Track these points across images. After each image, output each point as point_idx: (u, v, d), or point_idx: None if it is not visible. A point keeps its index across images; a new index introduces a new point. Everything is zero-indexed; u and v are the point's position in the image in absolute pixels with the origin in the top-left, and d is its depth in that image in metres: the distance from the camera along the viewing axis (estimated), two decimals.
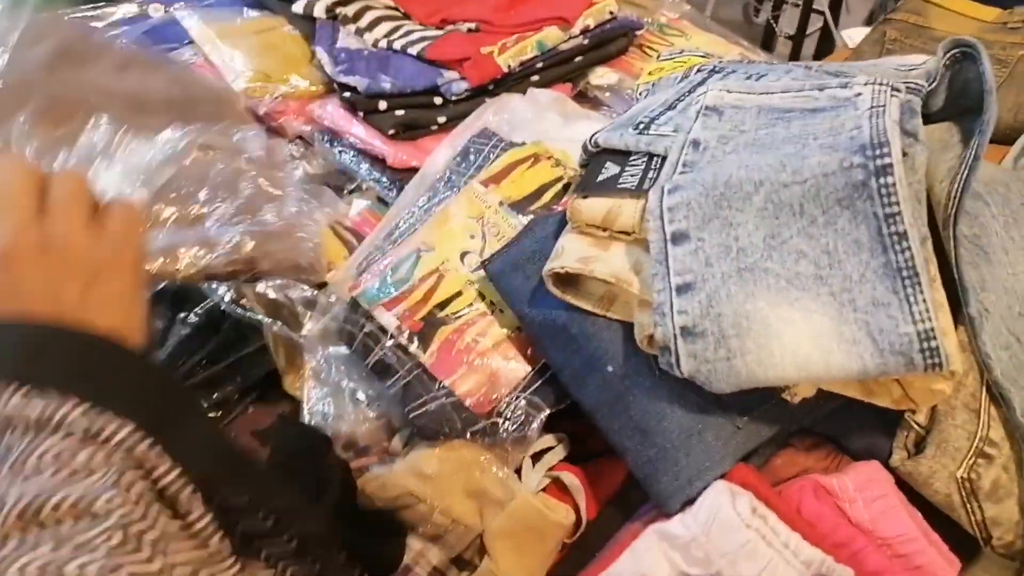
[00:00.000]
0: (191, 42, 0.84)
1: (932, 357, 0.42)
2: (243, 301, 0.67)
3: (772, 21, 2.21)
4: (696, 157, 0.51)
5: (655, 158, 0.54)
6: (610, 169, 0.55)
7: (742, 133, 0.53)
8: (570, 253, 0.52)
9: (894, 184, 0.43)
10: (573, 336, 0.53)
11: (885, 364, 0.43)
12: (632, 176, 0.53)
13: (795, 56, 2.21)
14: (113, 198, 0.41)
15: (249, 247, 0.54)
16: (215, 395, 0.67)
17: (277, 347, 0.68)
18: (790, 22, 2.15)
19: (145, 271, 0.42)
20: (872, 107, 0.49)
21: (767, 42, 2.30)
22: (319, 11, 0.85)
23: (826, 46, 2.28)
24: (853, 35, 0.92)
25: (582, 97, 0.83)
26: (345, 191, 0.75)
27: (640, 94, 0.75)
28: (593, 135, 0.58)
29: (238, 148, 0.59)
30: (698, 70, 0.68)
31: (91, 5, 0.86)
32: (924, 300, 0.42)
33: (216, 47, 0.81)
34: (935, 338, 0.42)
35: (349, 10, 0.85)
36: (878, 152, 0.43)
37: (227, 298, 0.66)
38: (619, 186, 0.53)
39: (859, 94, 0.52)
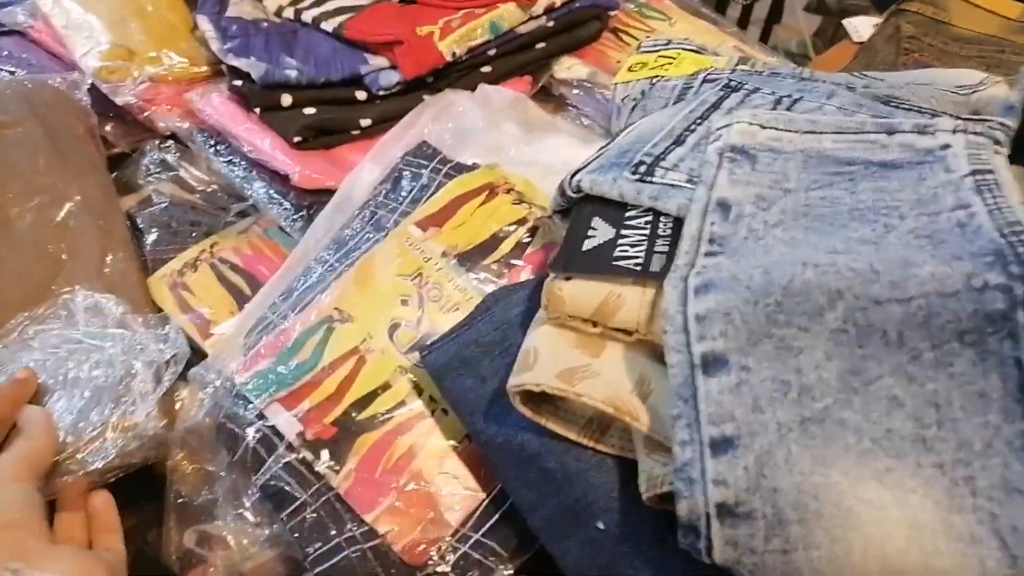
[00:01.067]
0: None
1: None
2: None
3: None
4: (727, 229, 0.36)
5: (663, 218, 0.39)
6: (601, 231, 0.40)
7: (787, 193, 0.38)
8: (547, 361, 0.36)
9: None
10: (548, 471, 0.38)
11: None
12: (634, 247, 0.38)
13: (745, 21, 2.09)
14: None
15: None
16: None
17: None
18: None
19: None
20: (975, 173, 0.35)
21: (721, 6, 2.16)
22: None
23: (778, 10, 2.17)
24: (859, 26, 0.78)
25: (545, 94, 0.66)
26: (231, 212, 0.57)
27: (623, 101, 0.59)
28: (574, 175, 0.43)
29: None
30: (705, 79, 0.53)
31: None
32: None
33: (61, 7, 0.60)
34: None
35: None
36: None
37: None
38: (616, 263, 0.37)
39: (947, 145, 0.38)
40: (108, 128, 0.60)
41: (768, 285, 0.32)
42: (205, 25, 0.61)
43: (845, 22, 0.78)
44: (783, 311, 0.32)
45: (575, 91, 0.65)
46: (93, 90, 0.59)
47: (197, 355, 0.50)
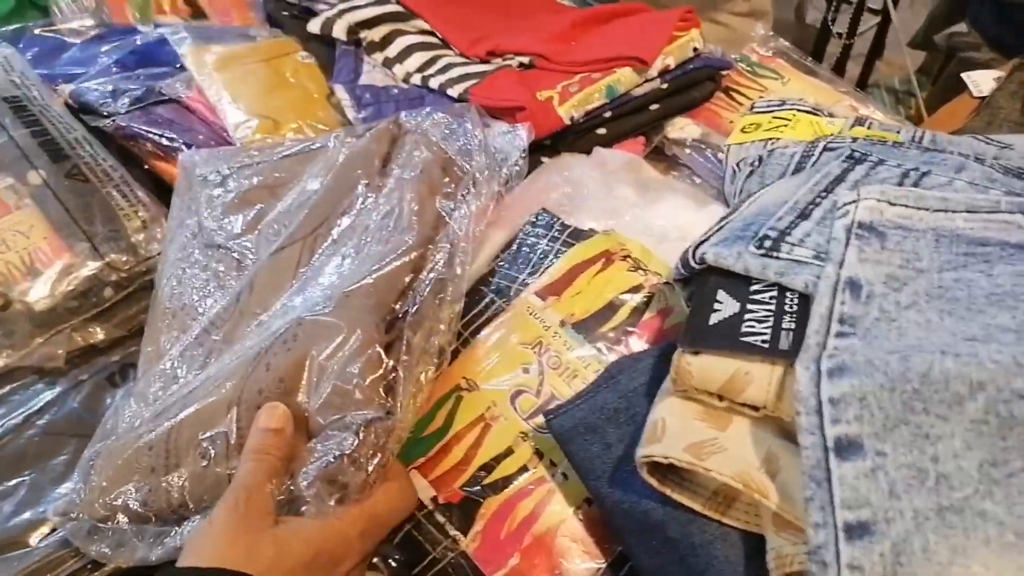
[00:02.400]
0: (183, 67, 0.70)
1: None
2: None
3: (829, 22, 2.04)
4: (858, 310, 0.37)
5: (789, 294, 0.40)
6: (726, 305, 0.41)
7: (920, 274, 0.38)
8: (675, 434, 0.38)
9: None
10: (672, 541, 0.39)
11: None
12: (761, 323, 0.39)
13: (845, 57, 2.05)
14: None
15: None
16: None
17: None
18: (845, 23, 1.99)
19: None
20: None
21: (820, 44, 2.13)
22: (339, 31, 0.70)
23: (880, 46, 2.13)
24: (980, 80, 0.76)
25: (657, 154, 0.68)
26: None
27: (738, 165, 0.60)
28: (697, 247, 0.44)
29: None
30: (825, 147, 0.53)
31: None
32: None
33: (212, 80, 0.67)
34: None
35: (375, 34, 0.71)
36: None
37: None
38: (744, 339, 0.38)
39: None
40: None
41: (905, 372, 0.32)
42: (341, 93, 0.65)
43: (964, 76, 0.77)
44: (921, 399, 0.32)
45: (687, 151, 0.66)
46: None
47: None
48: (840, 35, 1.97)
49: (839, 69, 2.03)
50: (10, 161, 0.58)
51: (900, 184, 0.45)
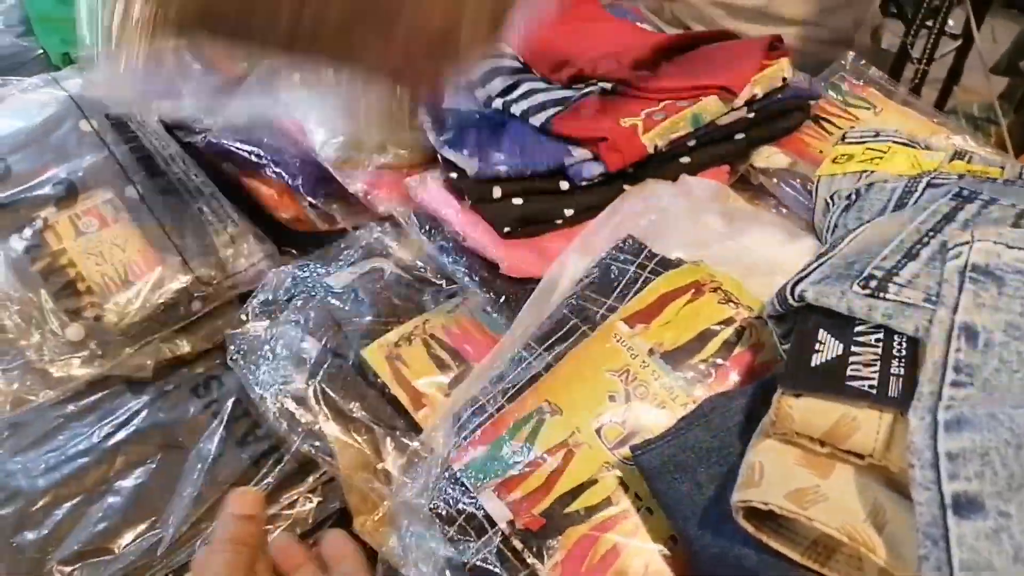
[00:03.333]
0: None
1: None
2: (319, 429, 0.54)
3: (908, 46, 1.98)
4: (975, 358, 0.35)
5: (897, 337, 0.38)
6: (828, 347, 0.39)
7: None
8: (775, 479, 0.36)
9: None
10: None
11: None
12: (867, 368, 0.37)
13: (921, 82, 1.99)
14: None
15: None
16: (272, 535, 0.55)
17: (350, 485, 0.55)
18: (921, 48, 1.94)
19: None
20: None
21: (896, 69, 2.08)
22: None
23: (959, 71, 2.06)
24: None
25: (743, 182, 0.66)
26: (442, 294, 0.61)
27: (831, 198, 0.58)
28: (796, 283, 0.42)
29: None
30: (929, 183, 0.51)
31: None
32: None
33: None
34: None
35: None
36: None
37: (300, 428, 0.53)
38: (850, 384, 0.37)
39: None
40: (335, 207, 0.66)
41: None
42: (424, 116, 0.66)
43: None
44: None
45: (774, 180, 0.65)
46: (322, 171, 0.66)
47: (408, 423, 0.54)
48: (918, 60, 1.92)
49: (915, 95, 1.98)
50: (111, 176, 0.60)
51: (1016, 225, 0.43)
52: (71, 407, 0.55)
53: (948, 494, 0.31)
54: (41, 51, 0.77)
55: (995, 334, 0.36)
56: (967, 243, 0.40)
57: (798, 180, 0.64)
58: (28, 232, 0.56)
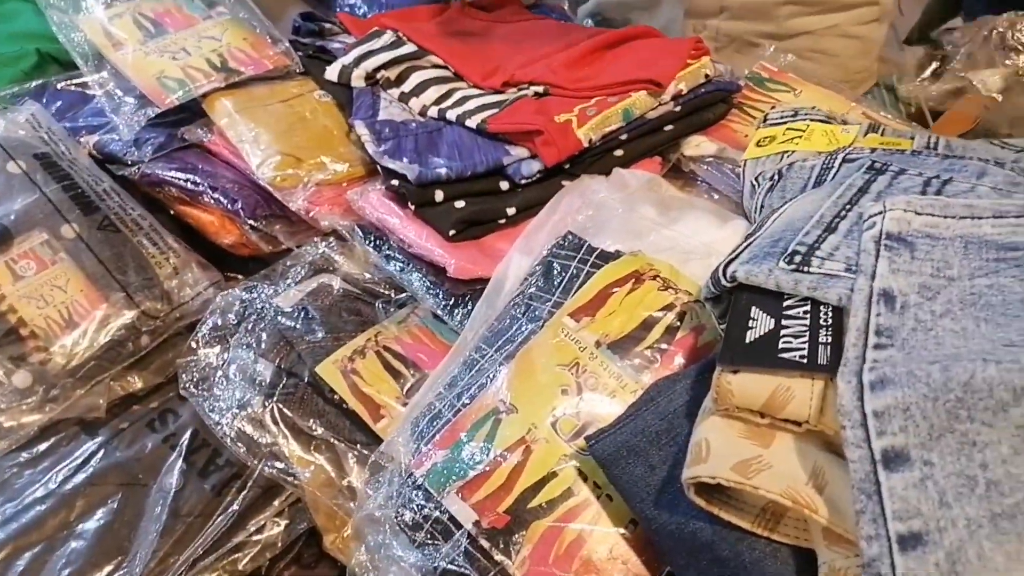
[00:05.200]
0: (202, 113, 0.71)
1: None
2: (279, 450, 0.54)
3: None
4: (895, 321, 0.37)
5: (823, 307, 0.40)
6: (760, 322, 0.41)
7: (952, 282, 0.39)
8: (720, 453, 0.38)
9: None
10: (722, 560, 0.39)
11: None
12: (797, 339, 0.39)
13: None
14: None
15: None
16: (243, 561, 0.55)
17: (316, 504, 0.56)
18: None
19: None
20: None
21: None
22: (357, 79, 0.71)
23: None
24: (987, 79, 0.77)
25: (675, 171, 0.69)
26: (392, 304, 0.62)
27: (756, 179, 0.60)
28: (727, 264, 0.44)
29: None
30: (844, 159, 0.54)
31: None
32: None
33: (234, 121, 0.68)
34: None
35: (391, 72, 0.72)
36: None
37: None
38: (782, 356, 0.39)
39: None
40: (277, 227, 0.66)
41: (947, 381, 0.33)
42: (361, 129, 0.67)
43: (971, 75, 0.77)
44: (965, 407, 0.32)
45: (705, 167, 0.67)
46: (261, 192, 0.66)
47: (368, 435, 0.54)
48: None
49: None
50: (44, 217, 0.59)
51: (923, 193, 0.46)
52: (24, 455, 0.54)
53: (878, 450, 0.33)
54: None
55: (910, 296, 0.38)
56: (880, 213, 0.42)
57: (727, 165, 0.66)
58: None
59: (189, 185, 0.66)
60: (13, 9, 0.82)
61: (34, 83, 0.74)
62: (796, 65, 0.75)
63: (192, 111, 0.71)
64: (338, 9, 0.87)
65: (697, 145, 0.68)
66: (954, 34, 1.33)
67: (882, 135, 0.62)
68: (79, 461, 0.55)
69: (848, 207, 0.45)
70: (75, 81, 0.75)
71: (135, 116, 0.67)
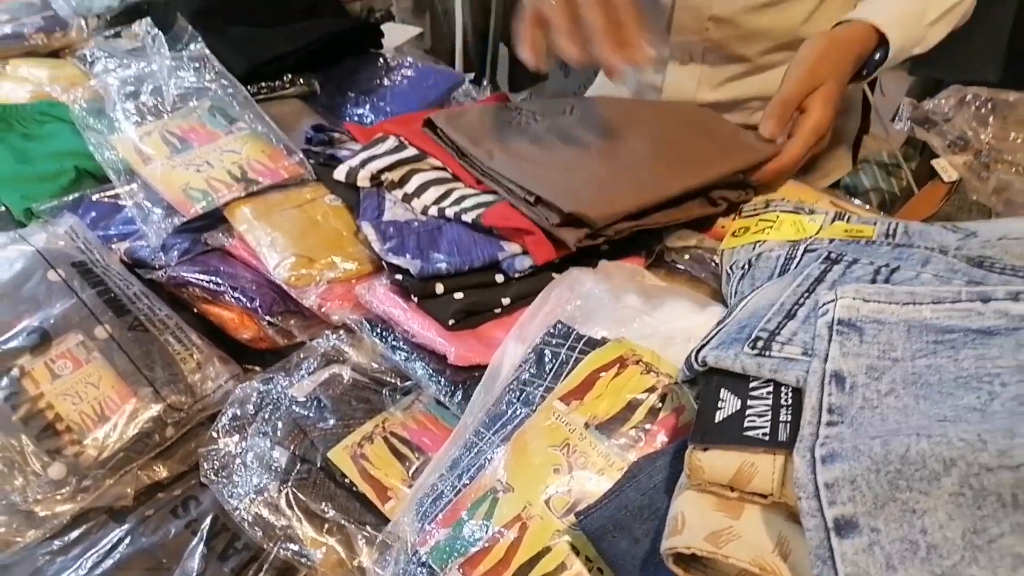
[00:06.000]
0: (224, 219, 0.78)
1: None
2: (294, 533, 0.58)
3: None
4: (844, 400, 0.42)
5: (783, 388, 0.45)
6: (728, 404, 0.45)
7: (895, 363, 0.43)
8: (694, 525, 0.42)
9: None
10: None
11: None
12: (760, 418, 0.43)
13: None
14: None
15: None
16: None
17: None
18: None
19: None
20: None
21: None
22: (363, 180, 0.78)
23: (866, 124, 2.24)
24: (947, 166, 0.82)
25: (658, 260, 0.74)
26: (398, 392, 0.66)
27: (731, 268, 0.66)
28: (699, 350, 0.49)
29: None
30: (806, 249, 0.59)
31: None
32: None
33: (252, 227, 0.74)
34: None
35: (395, 174, 0.79)
36: None
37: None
38: (746, 434, 0.43)
39: None
40: (292, 322, 0.72)
41: (887, 454, 0.37)
42: (368, 230, 0.73)
43: (934, 162, 0.84)
44: (903, 477, 0.36)
45: (685, 257, 0.73)
46: (277, 290, 0.72)
47: (377, 516, 0.58)
48: None
49: None
50: (80, 320, 0.65)
51: (873, 281, 0.51)
52: (57, 543, 0.58)
53: (830, 519, 0.37)
54: (2, 208, 0.82)
55: (859, 377, 0.43)
56: (833, 300, 0.47)
57: (706, 254, 0.72)
58: (5, 382, 0.60)
59: (211, 285, 0.72)
60: (54, 130, 0.90)
61: (71, 196, 0.81)
62: None
63: (214, 217, 0.77)
64: (347, 119, 0.95)
65: (679, 236, 0.74)
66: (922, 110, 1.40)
67: (848, 222, 0.68)
68: (107, 548, 0.58)
69: (806, 295, 0.50)
70: (108, 193, 0.82)
71: (163, 224, 0.74)
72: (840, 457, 0.38)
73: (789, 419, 0.43)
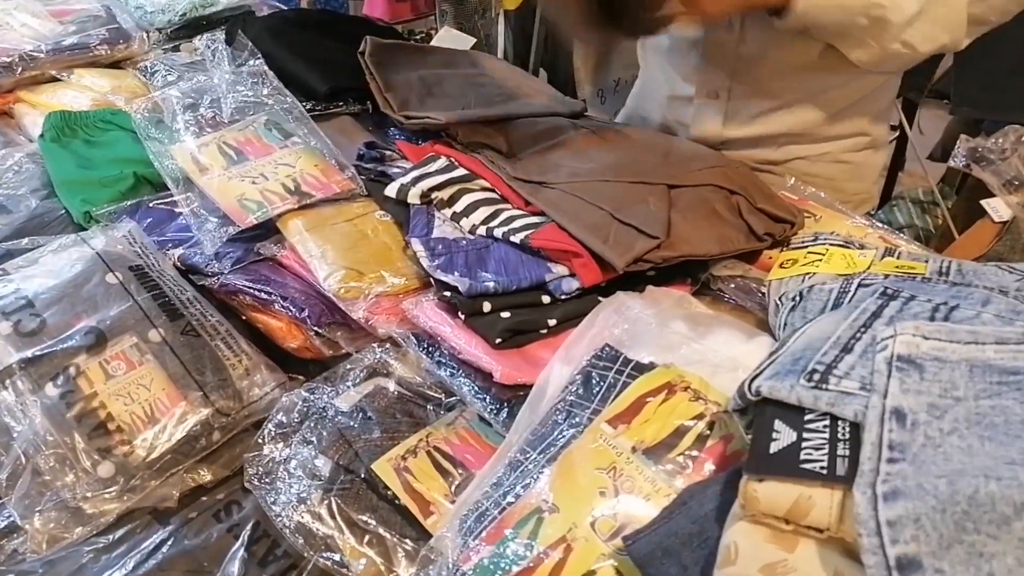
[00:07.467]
0: (276, 230, 0.79)
1: None
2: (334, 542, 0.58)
3: None
4: (905, 437, 0.41)
5: (840, 422, 0.44)
6: (783, 435, 0.45)
7: (958, 402, 0.43)
8: (748, 556, 0.41)
9: None
10: None
11: None
12: (818, 451, 0.43)
13: None
14: None
15: None
16: None
17: None
18: None
19: None
20: None
21: None
22: (413, 197, 0.79)
23: (900, 159, 2.22)
24: (998, 206, 0.82)
25: (704, 288, 0.74)
26: (442, 407, 0.67)
27: (779, 299, 0.65)
28: (752, 379, 0.49)
29: None
30: (860, 284, 0.59)
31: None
32: None
33: (304, 239, 0.76)
34: None
35: (444, 193, 0.80)
36: None
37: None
38: (803, 466, 0.42)
39: None
40: (339, 334, 0.73)
41: (954, 495, 0.36)
42: (417, 246, 0.74)
43: (984, 203, 0.83)
44: (971, 519, 0.36)
45: (731, 286, 0.72)
46: (326, 302, 0.73)
47: (418, 530, 0.58)
48: None
49: None
50: (135, 322, 0.66)
51: (931, 318, 0.50)
52: (102, 541, 0.59)
53: (892, 556, 0.37)
54: (63, 211, 0.84)
55: (920, 414, 0.42)
56: (892, 336, 0.47)
57: (752, 284, 0.72)
58: (61, 379, 0.62)
59: (262, 294, 0.73)
60: (115, 137, 0.93)
61: (129, 202, 0.83)
62: (816, 195, 0.81)
63: (267, 228, 0.79)
64: (398, 138, 0.97)
65: (725, 265, 0.74)
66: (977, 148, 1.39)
67: (898, 259, 0.67)
68: (151, 548, 0.59)
69: (863, 329, 0.50)
70: (165, 200, 0.84)
71: (217, 233, 0.75)
72: (903, 495, 0.38)
73: (847, 453, 0.42)
